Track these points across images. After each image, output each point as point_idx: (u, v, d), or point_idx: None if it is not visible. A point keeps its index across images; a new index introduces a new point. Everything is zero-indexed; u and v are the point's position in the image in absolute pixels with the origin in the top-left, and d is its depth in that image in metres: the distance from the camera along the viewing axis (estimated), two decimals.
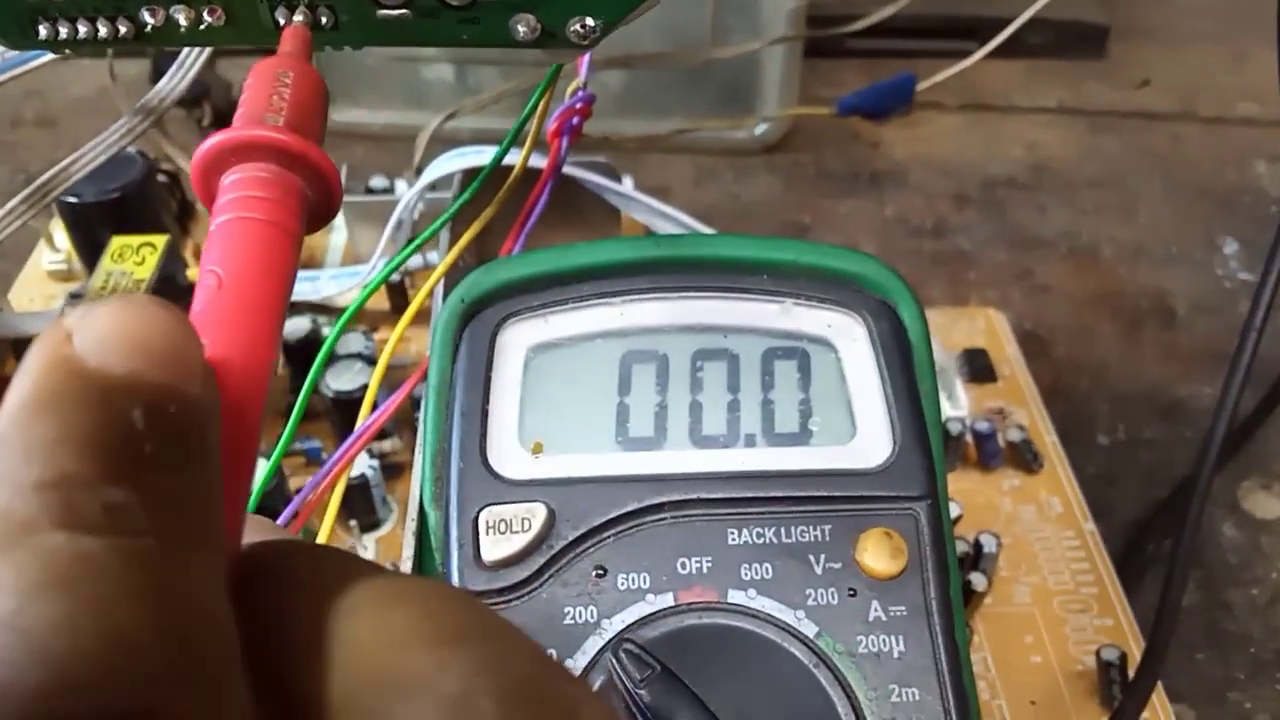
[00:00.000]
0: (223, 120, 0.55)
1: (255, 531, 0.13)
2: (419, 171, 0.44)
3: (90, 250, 0.38)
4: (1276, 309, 0.36)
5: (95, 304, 0.12)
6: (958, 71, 0.54)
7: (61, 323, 0.11)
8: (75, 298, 0.32)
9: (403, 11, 0.21)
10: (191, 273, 0.37)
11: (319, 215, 0.17)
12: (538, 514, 0.21)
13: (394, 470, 0.35)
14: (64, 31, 0.21)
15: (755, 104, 0.52)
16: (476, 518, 0.21)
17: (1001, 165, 0.54)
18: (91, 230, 0.37)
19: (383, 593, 0.11)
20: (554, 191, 0.29)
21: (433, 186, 0.38)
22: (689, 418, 0.23)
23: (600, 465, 0.22)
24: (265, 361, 0.14)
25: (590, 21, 0.21)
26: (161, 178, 0.42)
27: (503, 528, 0.21)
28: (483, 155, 0.34)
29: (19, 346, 0.39)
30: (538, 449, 0.22)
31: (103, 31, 0.21)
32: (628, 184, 0.40)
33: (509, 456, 0.22)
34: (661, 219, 0.36)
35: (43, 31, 0.21)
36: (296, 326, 0.37)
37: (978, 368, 0.39)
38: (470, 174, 0.34)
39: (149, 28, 0.21)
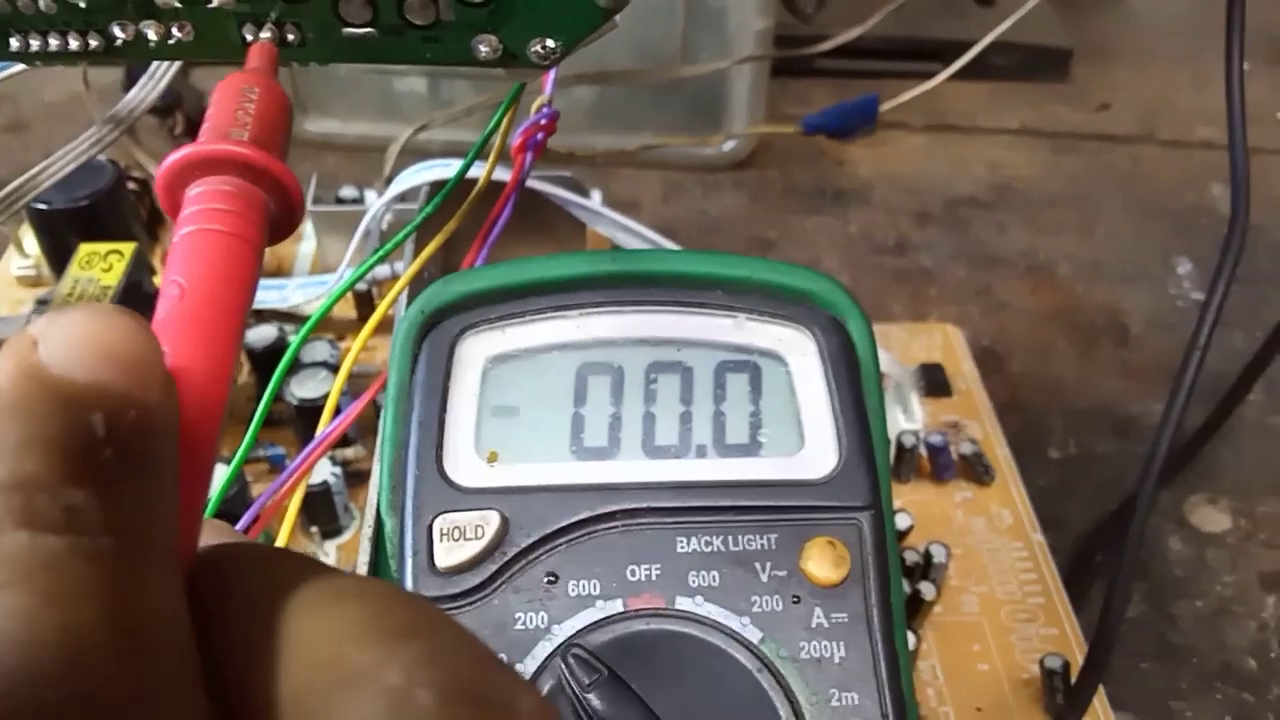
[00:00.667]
0: (195, 129, 0.55)
1: (213, 535, 0.14)
2: (389, 182, 0.44)
3: (59, 256, 0.38)
4: (1226, 326, 0.37)
5: (61, 312, 0.12)
6: (923, 92, 0.55)
7: (28, 330, 0.12)
8: (43, 304, 0.32)
9: (368, 30, 0.21)
10: (159, 280, 0.37)
11: (281, 227, 0.18)
12: (491, 521, 0.22)
13: (357, 478, 0.35)
14: (35, 44, 0.22)
15: (723, 121, 0.53)
16: (431, 525, 0.22)
17: (964, 184, 0.55)
18: (61, 236, 0.37)
19: (331, 591, 0.12)
20: (521, 205, 0.29)
21: (401, 198, 0.39)
22: (642, 429, 0.24)
23: (554, 474, 0.23)
24: (225, 370, 0.15)
25: (550, 43, 0.22)
26: (132, 185, 0.43)
27: (456, 535, 0.22)
28: (450, 168, 0.35)
29: None
30: (493, 458, 0.23)
31: (73, 44, 0.22)
32: (595, 198, 0.40)
33: (464, 465, 0.23)
34: (625, 233, 0.37)
35: (14, 43, 0.22)
36: (263, 334, 0.38)
37: (933, 382, 0.39)
38: (438, 186, 0.35)
39: (119, 42, 0.21)
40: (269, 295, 0.39)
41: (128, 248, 0.33)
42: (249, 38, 0.21)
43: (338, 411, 0.27)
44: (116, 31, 0.21)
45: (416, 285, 0.28)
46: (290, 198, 0.17)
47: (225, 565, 0.12)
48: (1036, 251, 0.50)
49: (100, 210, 0.37)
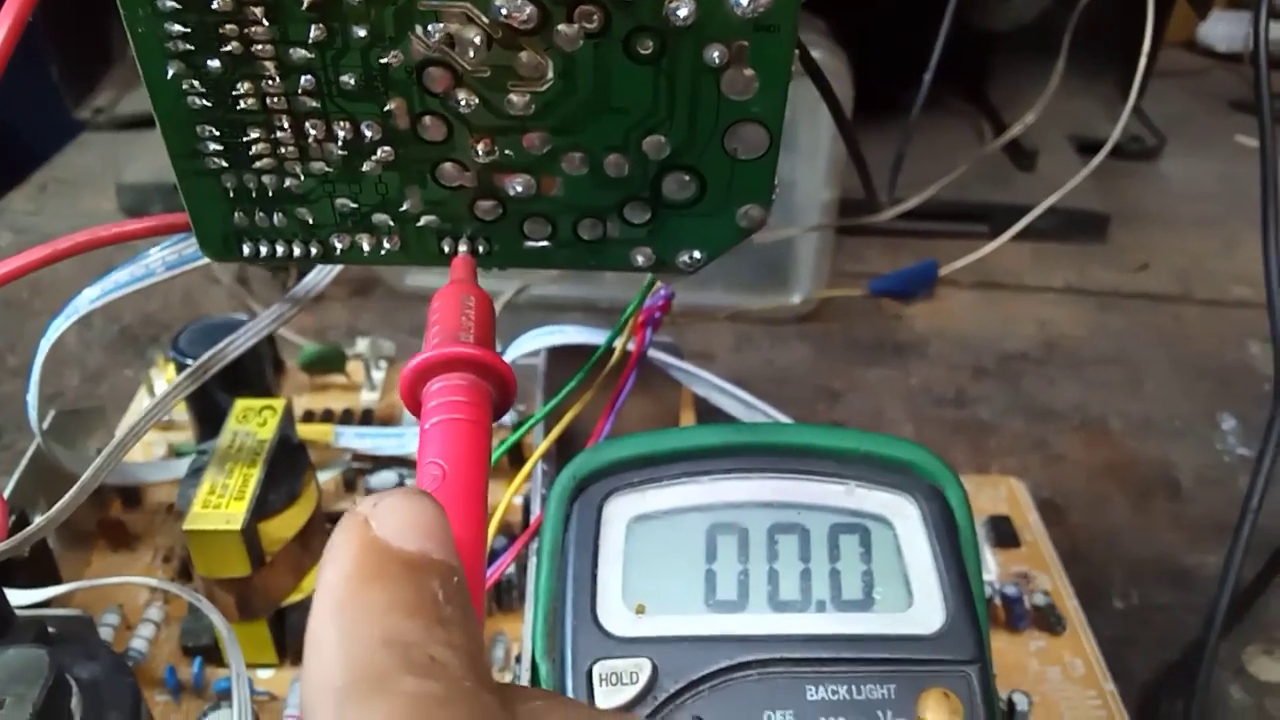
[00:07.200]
0: None
1: None
2: None
3: (201, 407, 0.42)
4: (1274, 482, 0.40)
5: (382, 495, 0.15)
6: (971, 250, 0.59)
7: (356, 511, 0.15)
8: (203, 453, 0.36)
9: (546, 244, 0.25)
10: (300, 430, 0.40)
11: (499, 409, 0.21)
12: (644, 668, 0.25)
13: None
14: (264, 250, 0.26)
15: (791, 280, 0.57)
16: (590, 670, 0.25)
17: (1015, 341, 0.58)
18: (205, 390, 0.41)
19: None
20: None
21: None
22: (768, 584, 0.27)
23: (693, 625, 0.26)
24: (482, 532, 0.18)
25: (698, 254, 0.26)
26: None
27: (614, 680, 0.25)
28: (565, 334, 0.38)
29: (126, 493, 0.43)
30: (640, 610, 0.26)
31: (297, 252, 0.26)
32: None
33: (616, 616, 0.26)
34: (718, 393, 0.40)
35: (245, 250, 0.26)
36: (384, 479, 0.41)
37: (1002, 534, 0.42)
38: (555, 350, 0.39)
39: (338, 251, 0.25)
40: (388, 443, 0.43)
41: (279, 404, 0.37)
42: (446, 249, 0.25)
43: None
44: (336, 243, 0.25)
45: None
46: (507, 385, 0.21)
47: (516, 694, 0.15)
48: (1088, 406, 0.53)
49: (244, 365, 0.40)
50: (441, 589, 0.14)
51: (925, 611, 0.26)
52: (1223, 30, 0.94)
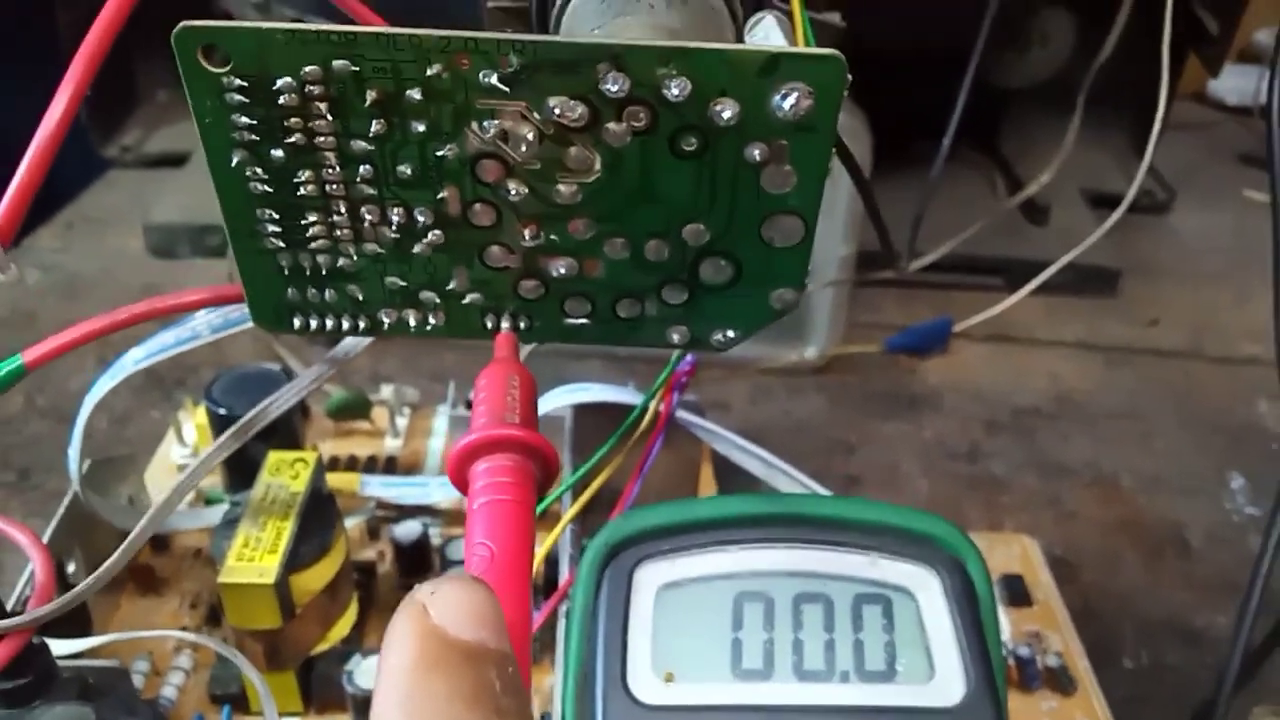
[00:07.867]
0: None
1: None
2: None
3: (232, 456, 0.43)
4: None
5: (439, 583, 0.16)
6: (984, 304, 0.60)
7: (415, 599, 0.16)
8: (236, 504, 0.36)
9: (584, 321, 0.26)
10: (330, 478, 0.41)
11: (542, 488, 0.22)
12: None
13: None
14: (314, 323, 0.27)
15: (807, 335, 0.58)
16: None
17: (1027, 395, 0.59)
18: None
19: None
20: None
21: None
22: (793, 654, 0.27)
23: (720, 694, 0.26)
24: (529, 612, 0.19)
25: (731, 333, 0.27)
26: None
27: None
28: (589, 392, 0.39)
29: (156, 539, 0.44)
30: (669, 678, 0.27)
31: (345, 325, 0.27)
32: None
33: (645, 683, 0.26)
34: (740, 452, 0.41)
35: (296, 323, 0.27)
36: (408, 530, 0.42)
37: (1015, 592, 0.43)
38: (581, 407, 0.39)
39: (385, 325, 0.26)
40: (411, 492, 0.44)
41: (310, 456, 0.38)
42: (489, 325, 0.26)
43: None
44: (383, 318, 0.26)
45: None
46: (550, 466, 0.22)
47: None
48: (1099, 462, 0.54)
49: (277, 417, 0.41)
50: (499, 679, 0.15)
51: (946, 683, 0.27)
52: (1233, 83, 0.96)
